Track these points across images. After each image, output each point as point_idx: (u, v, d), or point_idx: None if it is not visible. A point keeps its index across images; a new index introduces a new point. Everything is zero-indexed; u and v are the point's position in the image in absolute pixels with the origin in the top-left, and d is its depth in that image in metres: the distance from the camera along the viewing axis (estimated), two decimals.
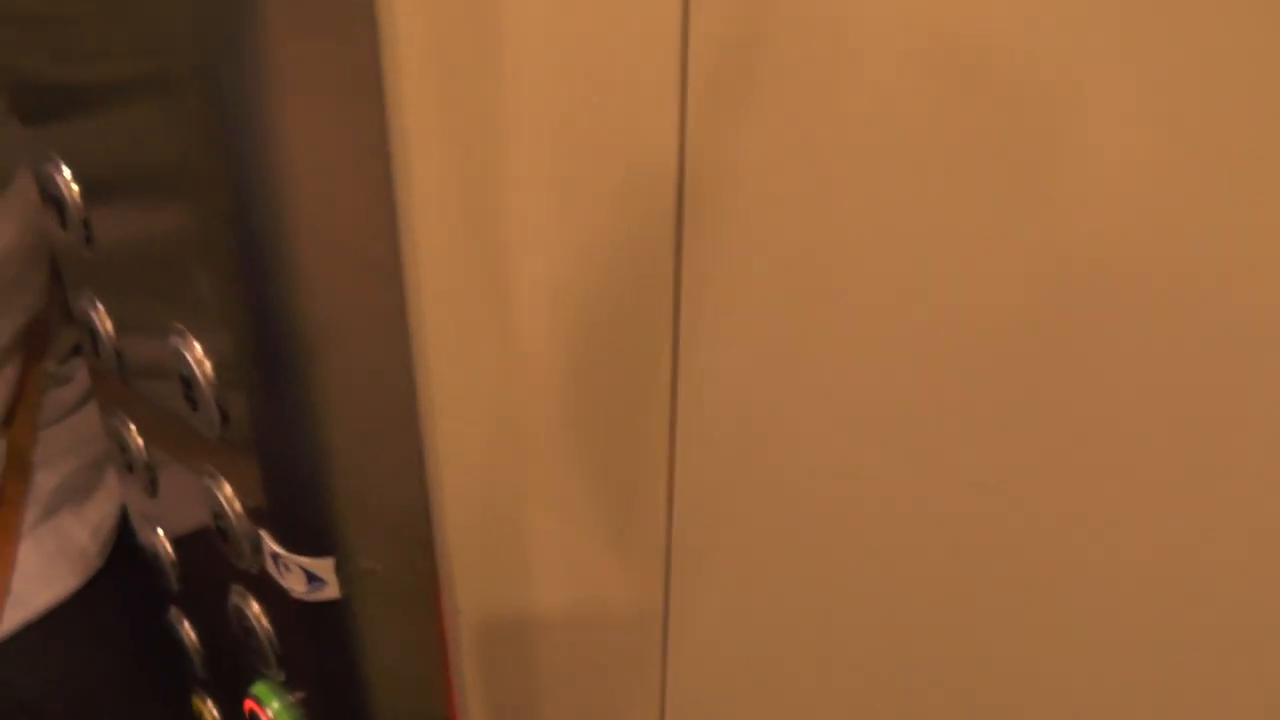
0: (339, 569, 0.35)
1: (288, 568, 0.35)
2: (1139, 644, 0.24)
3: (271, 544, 0.35)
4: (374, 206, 0.31)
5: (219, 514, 0.37)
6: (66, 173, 0.38)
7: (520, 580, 0.38)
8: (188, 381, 0.34)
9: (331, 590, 0.35)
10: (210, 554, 0.41)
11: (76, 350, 0.54)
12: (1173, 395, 0.21)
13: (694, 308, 0.28)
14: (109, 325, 0.41)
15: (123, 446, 0.45)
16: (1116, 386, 0.22)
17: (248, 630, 0.40)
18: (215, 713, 0.52)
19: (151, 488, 0.45)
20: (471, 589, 0.39)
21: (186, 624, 0.49)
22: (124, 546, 0.55)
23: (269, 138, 0.28)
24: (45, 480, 0.51)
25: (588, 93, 0.27)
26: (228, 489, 0.37)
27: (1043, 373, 0.23)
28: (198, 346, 0.34)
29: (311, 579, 0.35)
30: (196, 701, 0.53)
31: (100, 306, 0.41)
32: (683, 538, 0.32)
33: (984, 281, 0.23)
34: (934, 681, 0.29)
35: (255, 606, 0.40)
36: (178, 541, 0.46)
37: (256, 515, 0.36)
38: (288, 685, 0.42)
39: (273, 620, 0.39)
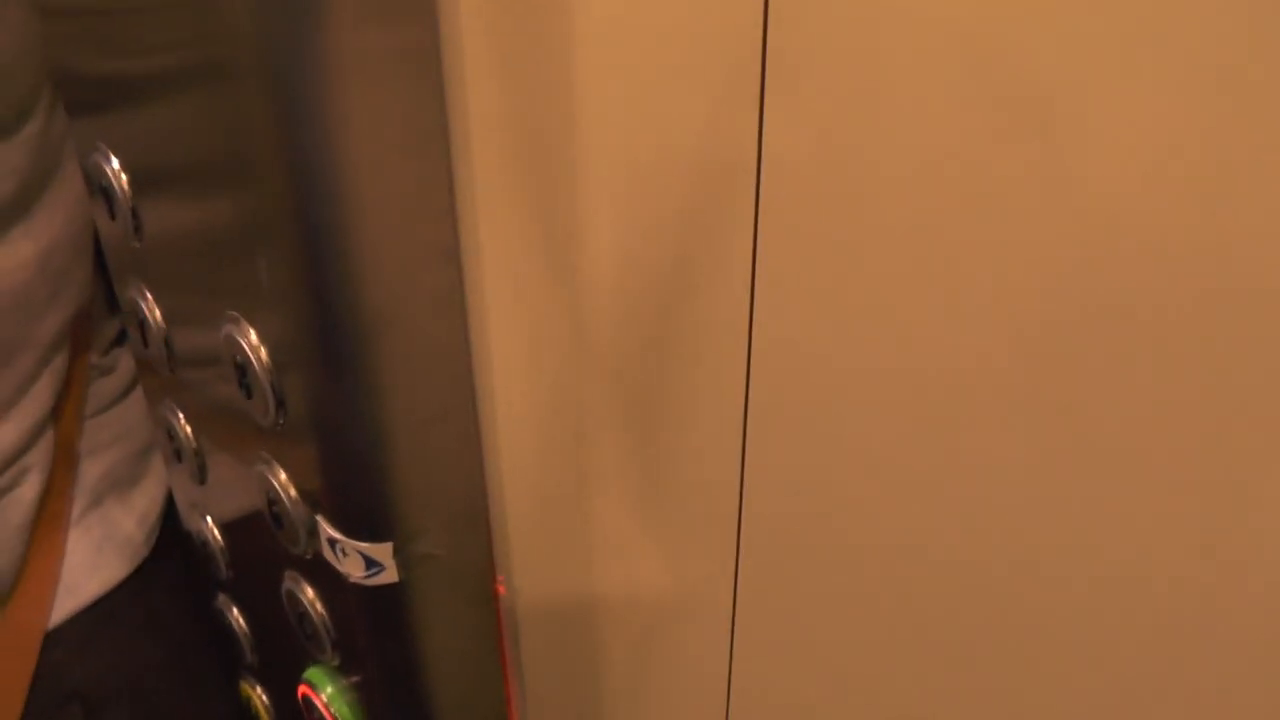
0: (397, 553, 0.35)
1: (345, 553, 0.35)
2: None
3: (329, 529, 0.35)
4: (434, 190, 0.31)
5: (273, 500, 0.37)
6: (115, 163, 0.38)
7: (579, 566, 0.38)
8: (242, 368, 0.34)
9: (390, 575, 0.35)
10: (261, 540, 0.41)
11: (118, 341, 0.54)
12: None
13: (771, 288, 0.27)
14: (158, 315, 0.41)
15: (171, 435, 0.45)
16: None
17: (301, 616, 0.41)
18: (264, 700, 0.52)
19: (200, 475, 0.45)
20: (529, 574, 0.39)
21: (235, 611, 0.49)
22: (171, 535, 0.55)
23: (330, 124, 0.28)
24: (91, 470, 0.52)
25: (660, 68, 0.27)
26: (282, 475, 0.37)
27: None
28: (253, 333, 0.34)
29: (370, 564, 0.35)
30: (245, 688, 0.53)
31: (149, 296, 0.41)
32: (754, 525, 0.32)
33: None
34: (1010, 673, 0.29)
35: (310, 592, 0.40)
36: (227, 529, 0.46)
37: (312, 501, 0.36)
38: (342, 670, 0.42)
39: (328, 606, 0.39)
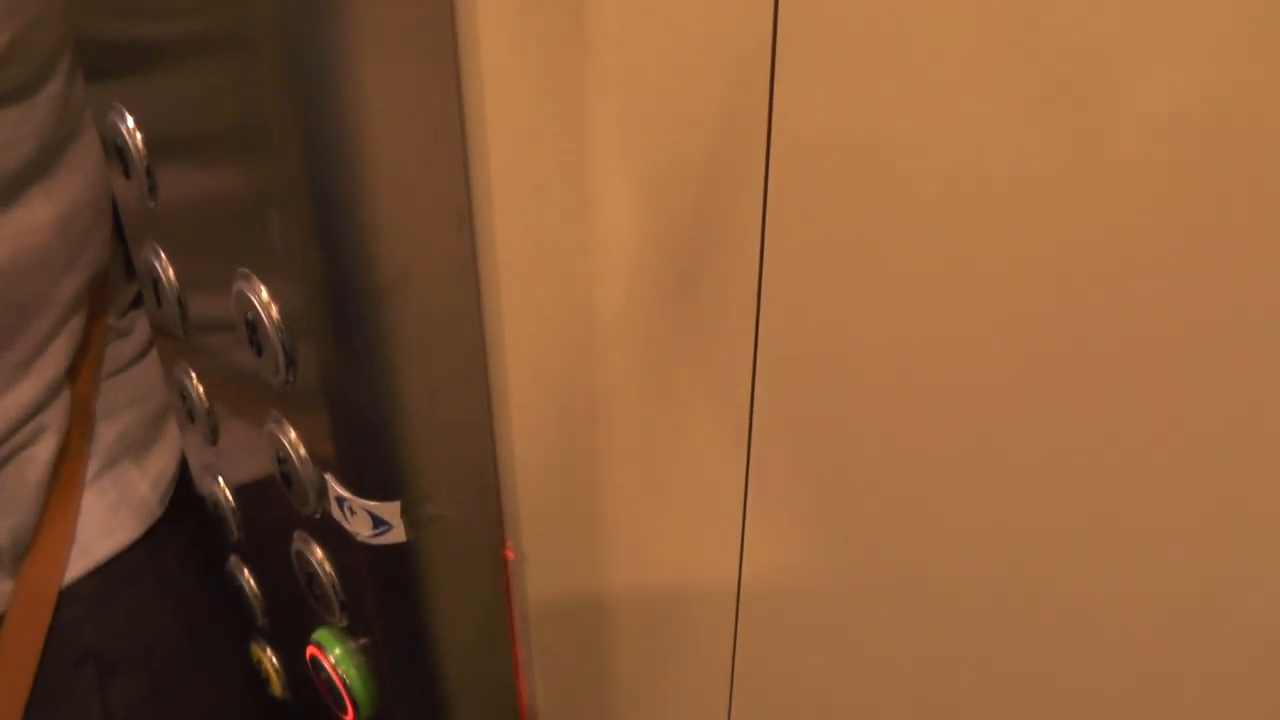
0: (405, 513, 0.35)
1: (353, 512, 0.35)
2: None
3: (337, 488, 0.35)
4: (447, 154, 0.31)
5: (283, 459, 0.37)
6: (130, 122, 0.39)
7: (588, 534, 0.38)
8: (253, 326, 0.34)
9: (398, 534, 0.36)
10: (271, 501, 0.42)
11: (135, 304, 0.55)
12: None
13: (780, 258, 0.27)
14: (171, 275, 0.41)
15: (184, 396, 0.45)
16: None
17: (310, 576, 0.41)
18: (274, 661, 0.53)
19: (213, 436, 0.45)
20: (537, 537, 0.40)
21: (246, 572, 0.50)
22: (184, 498, 0.56)
23: (343, 88, 0.28)
24: (106, 431, 0.52)
25: (676, 34, 0.26)
26: (292, 434, 0.37)
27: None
28: (264, 290, 0.34)
29: (378, 523, 0.35)
30: (256, 651, 0.54)
31: (163, 255, 0.41)
32: (760, 500, 0.32)
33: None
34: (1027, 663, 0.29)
35: (319, 552, 0.40)
36: (238, 490, 0.47)
37: (322, 460, 0.36)
38: (350, 632, 0.42)
39: (336, 566, 0.40)
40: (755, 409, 0.31)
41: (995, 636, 0.29)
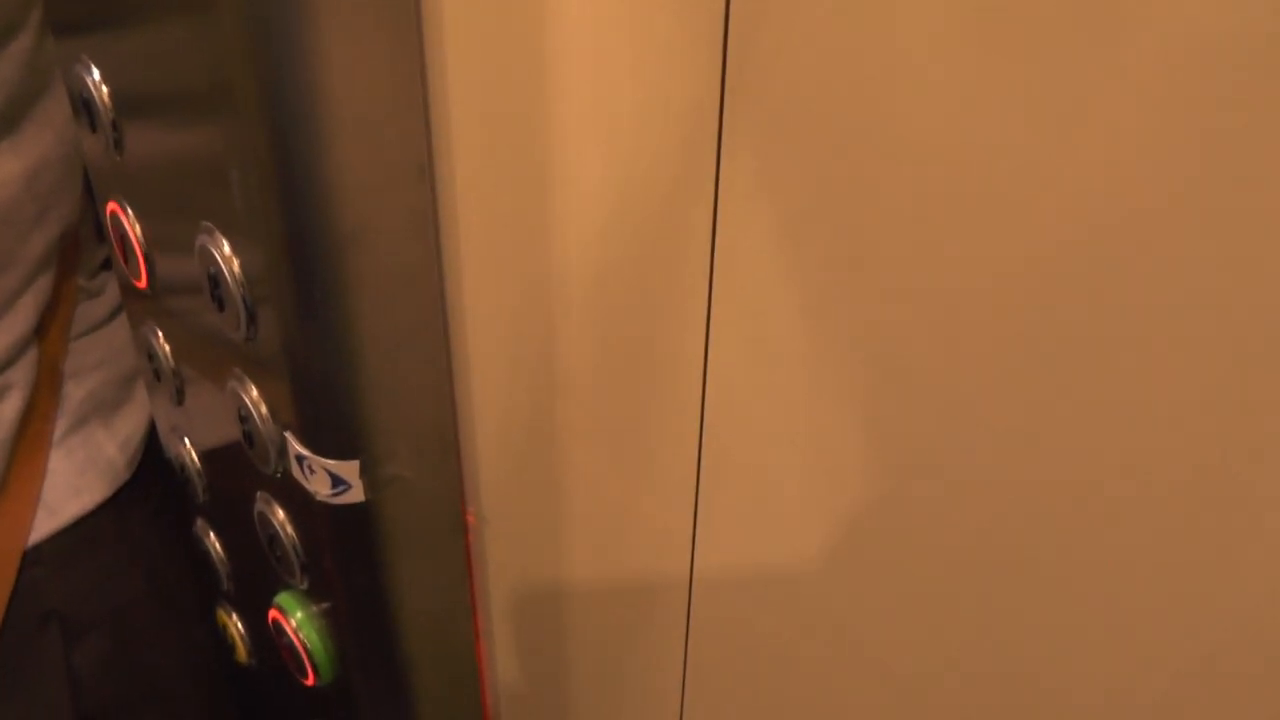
0: (364, 472, 0.35)
1: (312, 470, 0.35)
2: None
3: (297, 446, 0.35)
4: (408, 105, 0.30)
5: (245, 417, 0.37)
6: (96, 74, 0.38)
7: (548, 499, 0.38)
8: (215, 281, 0.34)
9: (356, 494, 0.36)
10: (235, 462, 0.42)
11: (106, 266, 0.54)
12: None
13: (727, 229, 0.27)
14: (138, 230, 0.41)
15: (151, 355, 0.45)
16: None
17: (272, 538, 0.41)
18: (240, 627, 0.53)
19: (179, 397, 0.45)
20: (498, 501, 0.39)
21: (212, 536, 0.50)
22: (153, 464, 0.56)
23: (304, 40, 0.28)
24: (75, 392, 0.52)
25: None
26: (254, 392, 0.37)
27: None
28: (226, 244, 0.34)
29: (336, 482, 0.35)
30: (222, 616, 0.54)
31: (130, 211, 0.41)
32: (712, 460, 0.32)
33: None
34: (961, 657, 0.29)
35: (280, 513, 0.40)
36: (203, 451, 0.47)
37: (282, 418, 0.36)
38: (311, 595, 0.42)
39: (297, 527, 0.39)
40: (708, 373, 0.31)
41: (954, 625, 0.29)
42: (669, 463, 0.34)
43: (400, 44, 0.30)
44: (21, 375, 0.48)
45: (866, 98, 0.23)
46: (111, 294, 0.54)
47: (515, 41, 0.29)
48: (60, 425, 0.52)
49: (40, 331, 0.50)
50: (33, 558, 0.51)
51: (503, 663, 0.45)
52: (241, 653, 0.53)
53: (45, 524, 0.51)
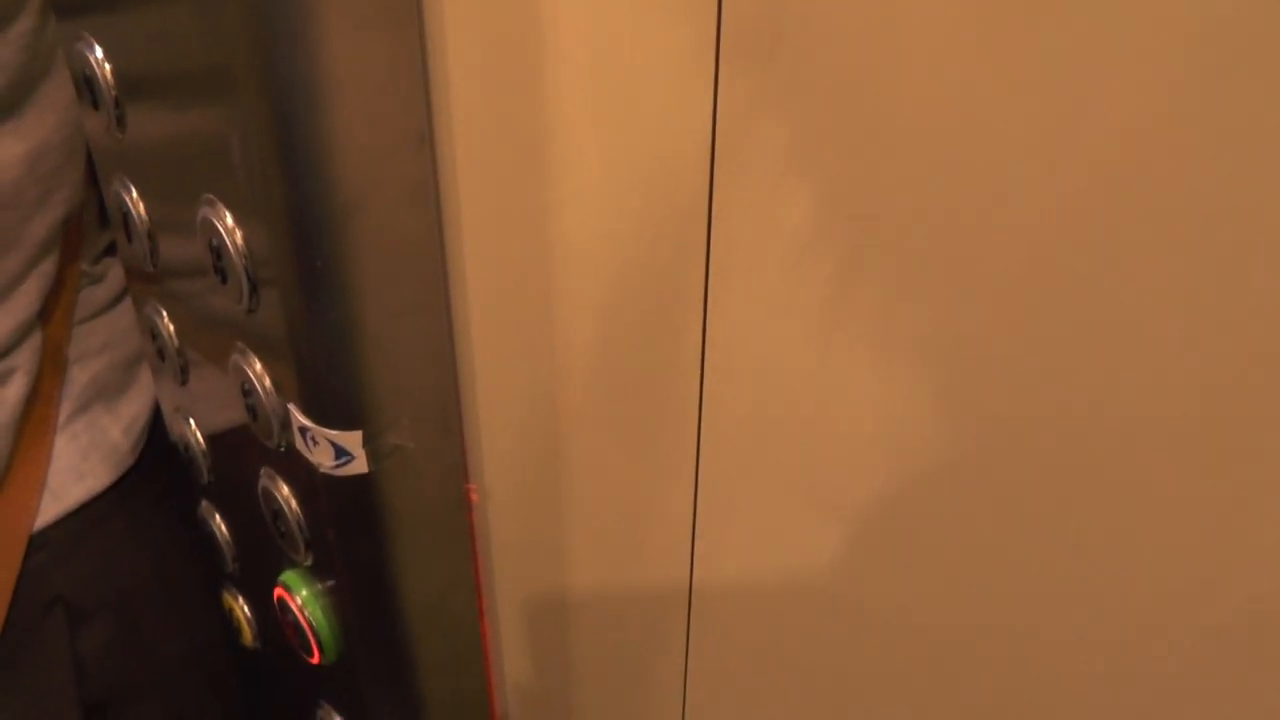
0: (367, 443, 0.35)
1: (315, 441, 0.35)
2: None
3: (300, 417, 0.35)
4: (408, 74, 0.31)
5: (249, 391, 0.37)
6: (99, 51, 0.38)
7: (548, 469, 0.38)
8: (217, 252, 0.34)
9: (359, 465, 0.36)
10: (239, 440, 0.42)
11: (108, 251, 0.54)
12: None
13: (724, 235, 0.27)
14: (142, 209, 0.41)
15: (155, 335, 0.45)
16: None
17: (276, 513, 0.41)
18: (245, 610, 0.53)
19: (183, 376, 0.45)
20: (499, 475, 0.40)
21: (218, 517, 0.50)
22: (158, 450, 0.56)
23: (305, 11, 0.28)
24: (79, 376, 0.52)
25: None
26: (257, 365, 0.37)
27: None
28: (228, 215, 0.34)
29: (339, 453, 0.35)
30: (228, 599, 0.54)
31: (133, 189, 0.41)
32: (712, 434, 0.32)
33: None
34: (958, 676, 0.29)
35: (284, 488, 0.40)
36: (207, 430, 0.47)
37: (285, 390, 0.36)
38: (316, 572, 0.42)
39: (301, 501, 0.40)
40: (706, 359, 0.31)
41: (961, 630, 0.29)
42: (670, 440, 0.34)
43: (399, 14, 0.30)
44: (25, 359, 0.49)
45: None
46: (114, 279, 0.54)
47: (513, 7, 0.29)
48: (64, 410, 0.52)
49: (44, 315, 0.50)
50: (38, 543, 0.51)
51: (507, 639, 0.45)
52: (247, 636, 0.53)
53: (50, 509, 0.51)
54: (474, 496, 0.41)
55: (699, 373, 0.32)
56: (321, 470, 0.36)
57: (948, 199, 0.23)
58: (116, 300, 0.54)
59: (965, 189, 0.23)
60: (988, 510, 0.26)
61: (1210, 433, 0.22)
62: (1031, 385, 0.24)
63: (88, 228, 0.52)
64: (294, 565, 0.43)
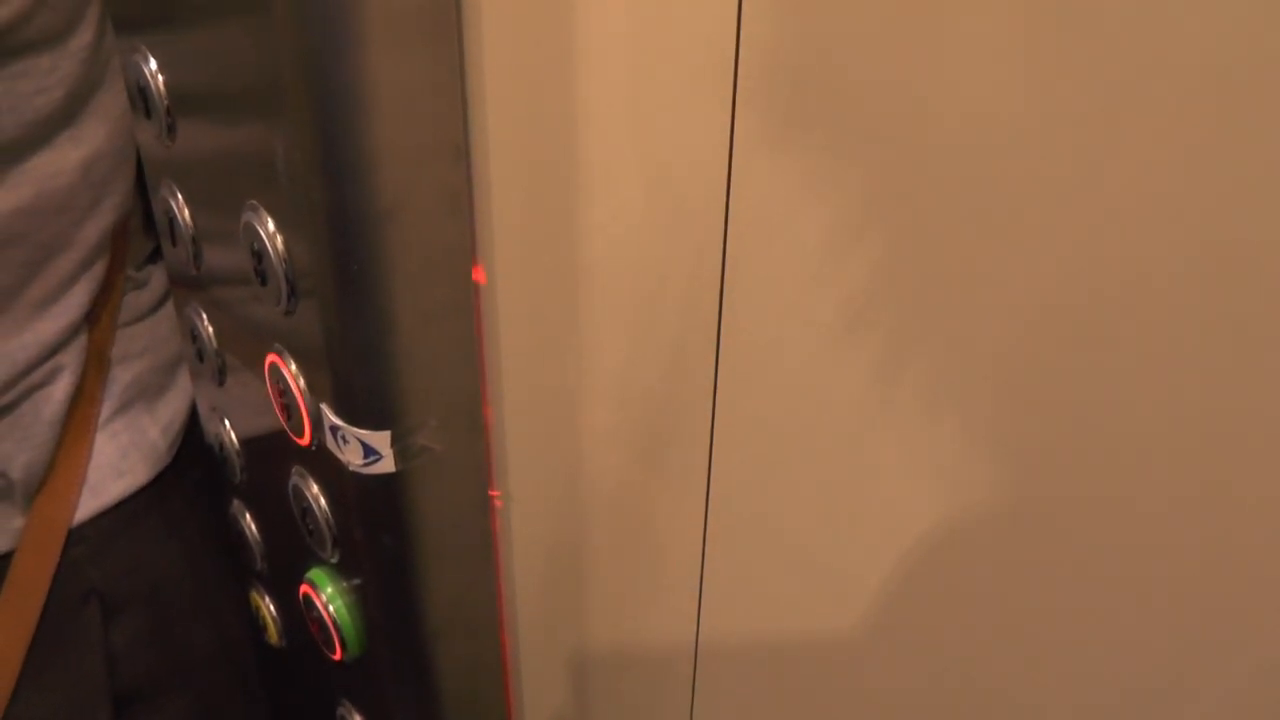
0: (395, 442, 0.36)
1: (345, 440, 0.37)
2: None
3: (331, 416, 0.37)
4: (446, 88, 0.32)
5: (284, 390, 0.39)
6: (153, 64, 0.40)
7: (570, 476, 0.39)
8: (259, 255, 0.36)
9: (387, 464, 0.37)
10: (272, 440, 0.43)
11: (152, 258, 0.56)
12: None
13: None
14: (187, 214, 0.43)
15: (194, 336, 0.47)
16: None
17: (305, 510, 0.42)
18: (272, 609, 0.54)
19: (220, 377, 0.47)
20: (522, 480, 0.41)
21: (248, 516, 0.51)
22: (193, 451, 0.58)
23: (348, 31, 0.30)
24: (121, 376, 0.54)
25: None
26: (293, 365, 0.38)
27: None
28: (270, 221, 0.35)
29: (368, 452, 0.37)
30: (255, 598, 0.55)
31: (179, 195, 0.43)
32: (723, 438, 0.33)
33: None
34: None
35: (314, 486, 0.41)
36: (242, 430, 0.48)
37: (318, 390, 0.37)
38: (342, 570, 0.43)
39: (330, 499, 0.41)
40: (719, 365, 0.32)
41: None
42: (684, 457, 0.35)
43: (439, 31, 0.32)
44: (72, 359, 0.50)
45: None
46: (157, 285, 0.56)
47: (549, 25, 0.31)
48: (106, 409, 0.53)
49: (91, 318, 0.52)
50: (75, 537, 0.53)
51: (525, 643, 0.46)
52: (273, 634, 0.55)
53: (89, 504, 0.53)
54: (498, 502, 0.42)
55: (712, 391, 0.33)
56: (350, 469, 0.37)
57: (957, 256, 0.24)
58: (159, 305, 0.56)
59: (982, 243, 0.24)
60: (996, 583, 0.27)
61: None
62: (1046, 461, 0.24)
63: (134, 234, 0.54)
64: (321, 563, 0.44)
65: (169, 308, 0.56)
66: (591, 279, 0.35)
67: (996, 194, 0.23)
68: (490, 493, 0.42)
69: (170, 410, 0.56)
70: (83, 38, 0.46)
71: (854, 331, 0.28)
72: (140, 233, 0.56)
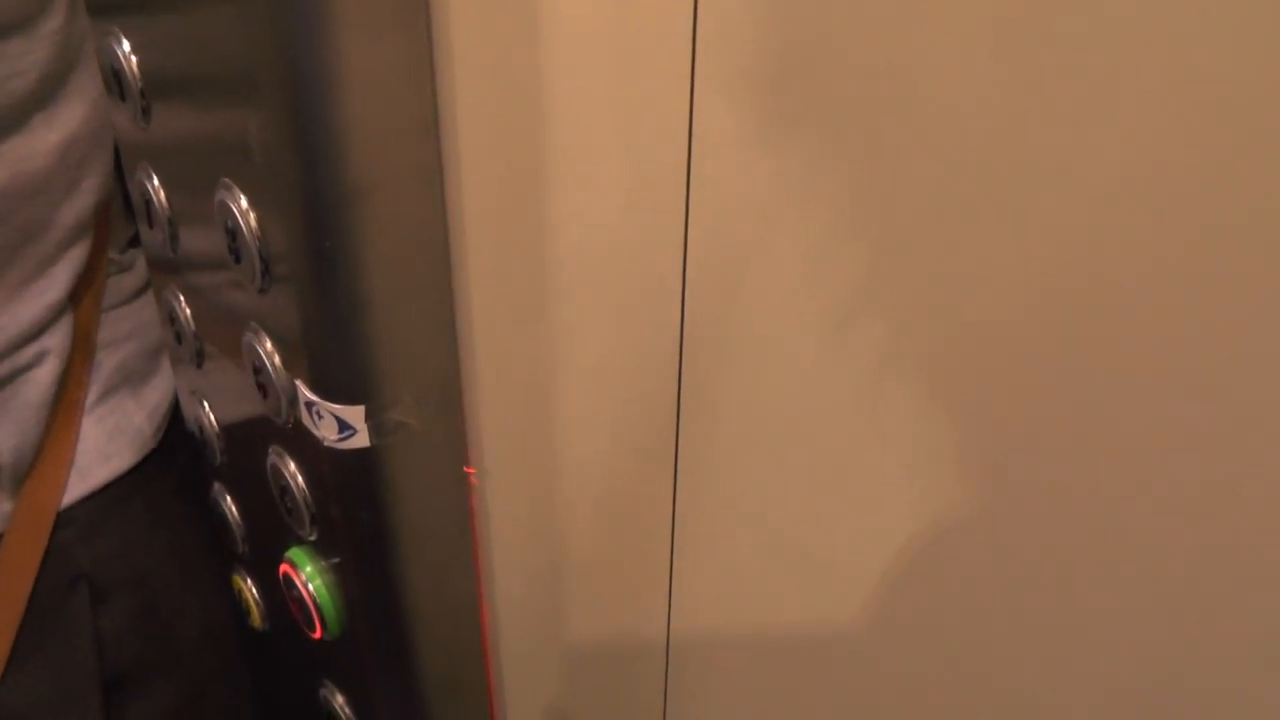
0: (370, 417, 0.37)
1: (320, 415, 0.37)
2: None
3: (306, 392, 0.37)
4: (415, 66, 0.32)
5: (259, 369, 0.39)
6: (126, 46, 0.41)
7: (547, 451, 0.40)
8: (233, 233, 0.36)
9: (362, 439, 0.37)
10: (250, 422, 0.44)
11: (134, 242, 0.57)
12: None
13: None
14: (163, 196, 0.43)
15: (173, 318, 0.47)
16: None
17: (284, 489, 0.43)
18: (254, 591, 0.55)
19: (198, 359, 0.47)
20: (498, 456, 0.41)
21: (229, 498, 0.52)
22: (178, 438, 0.58)
23: (320, 21, 0.30)
24: (106, 361, 0.54)
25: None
26: (268, 344, 0.39)
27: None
28: (244, 199, 0.36)
29: (343, 427, 0.37)
30: (237, 580, 0.56)
31: (155, 178, 0.43)
32: (691, 409, 0.34)
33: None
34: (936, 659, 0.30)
35: (291, 465, 0.42)
36: (220, 412, 0.49)
37: (293, 367, 0.38)
38: (320, 549, 0.44)
39: (307, 477, 0.41)
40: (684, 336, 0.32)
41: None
42: (656, 431, 0.35)
43: (408, 13, 0.32)
44: (57, 342, 0.51)
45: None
46: (141, 268, 0.56)
47: (514, 7, 0.31)
48: (92, 393, 0.54)
49: (74, 301, 0.52)
50: (64, 520, 0.53)
51: (504, 620, 0.46)
52: (256, 617, 0.55)
53: (76, 487, 0.53)
54: (473, 479, 0.43)
55: (678, 362, 0.33)
56: (326, 444, 0.38)
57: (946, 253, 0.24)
58: (143, 289, 0.56)
59: (968, 244, 0.24)
60: (980, 581, 0.27)
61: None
62: (1031, 455, 0.24)
63: (115, 217, 0.55)
64: (300, 542, 0.45)
65: (153, 292, 0.57)
66: (565, 259, 0.35)
67: (985, 192, 0.23)
68: (465, 469, 0.42)
69: (156, 395, 0.57)
70: (53, 21, 0.47)
71: (824, 308, 0.28)
72: (122, 216, 0.56)
